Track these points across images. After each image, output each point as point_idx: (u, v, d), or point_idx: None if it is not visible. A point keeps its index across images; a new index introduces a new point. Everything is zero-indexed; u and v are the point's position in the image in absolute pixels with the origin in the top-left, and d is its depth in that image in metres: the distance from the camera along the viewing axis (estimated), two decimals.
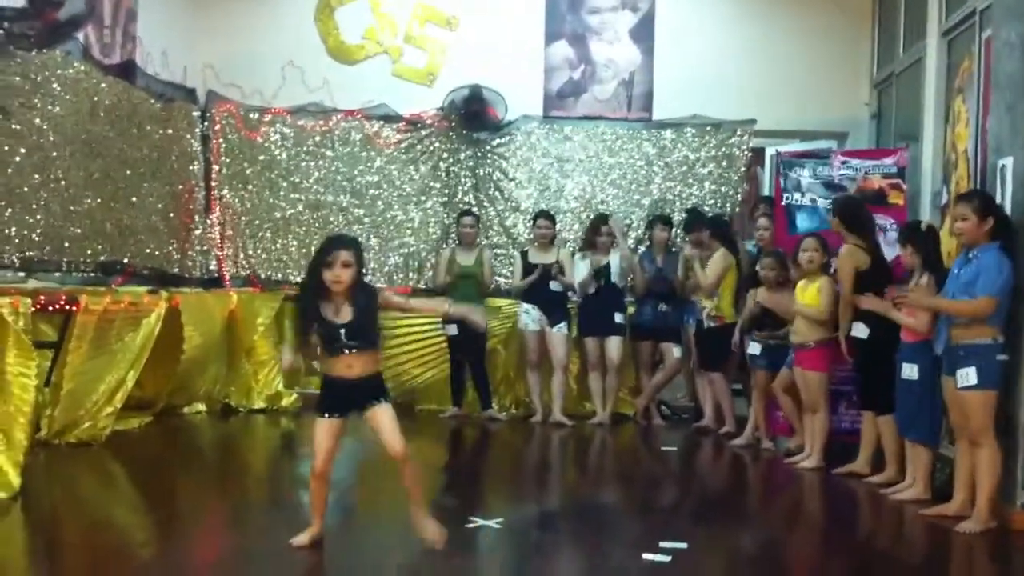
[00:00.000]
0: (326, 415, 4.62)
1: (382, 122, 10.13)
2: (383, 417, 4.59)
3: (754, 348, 7.79)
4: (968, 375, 5.38)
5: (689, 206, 9.68)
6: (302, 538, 4.66)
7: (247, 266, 9.99)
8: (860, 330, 6.67)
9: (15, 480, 5.51)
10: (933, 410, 6.08)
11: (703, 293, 8.45)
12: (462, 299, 9.06)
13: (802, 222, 8.29)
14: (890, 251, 7.17)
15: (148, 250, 8.97)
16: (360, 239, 9.83)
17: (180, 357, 8.06)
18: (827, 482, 6.79)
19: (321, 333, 4.54)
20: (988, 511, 5.37)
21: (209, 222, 9.97)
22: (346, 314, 4.51)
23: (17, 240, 7.15)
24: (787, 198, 8.40)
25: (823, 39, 10.10)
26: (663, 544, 4.85)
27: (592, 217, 9.44)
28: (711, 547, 5.21)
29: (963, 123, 7.26)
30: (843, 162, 8.30)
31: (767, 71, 10.07)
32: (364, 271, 4.65)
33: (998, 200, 5.69)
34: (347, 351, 4.52)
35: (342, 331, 4.50)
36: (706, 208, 9.54)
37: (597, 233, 9.12)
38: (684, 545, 4.90)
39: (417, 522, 4.65)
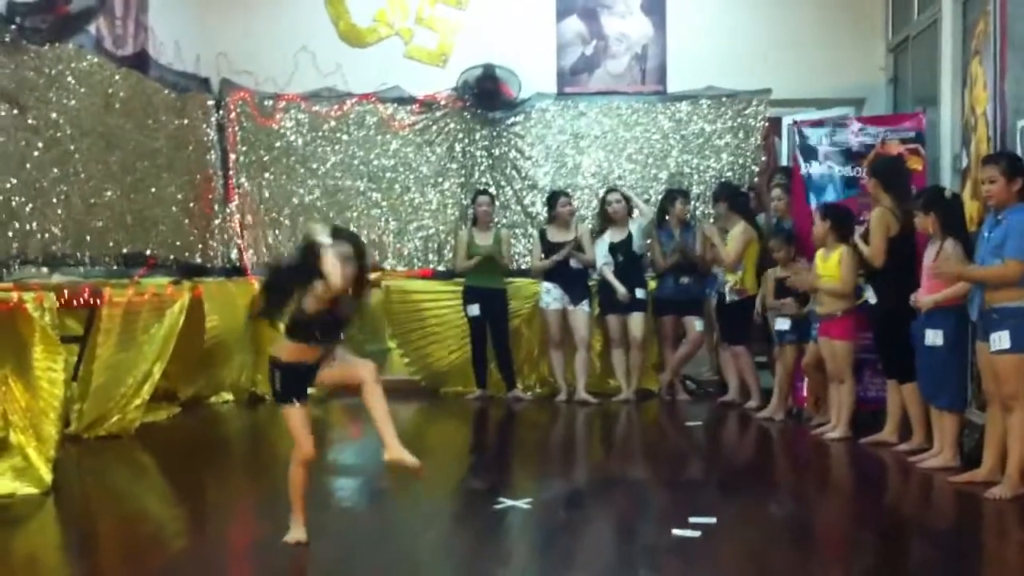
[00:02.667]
0: (296, 402, 4.46)
1: (396, 104, 10.12)
2: (339, 362, 4.43)
3: (782, 324, 7.76)
4: (1001, 339, 5.32)
5: (707, 178, 9.68)
6: (299, 535, 4.53)
7: (268, 254, 10.02)
8: (871, 294, 6.64)
9: (47, 475, 5.55)
10: (960, 376, 6.05)
11: (726, 267, 8.40)
12: (482, 280, 9.12)
13: (822, 191, 8.23)
14: None
15: (169, 241, 9.02)
16: (378, 223, 10.00)
17: (202, 343, 8.07)
18: (855, 452, 6.78)
19: (305, 323, 4.33)
20: (1019, 476, 5.33)
21: (228, 211, 10.00)
22: (339, 308, 4.37)
23: (39, 235, 7.18)
24: (805, 167, 8.35)
25: (836, 4, 9.99)
26: (693, 519, 4.84)
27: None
28: (741, 521, 5.21)
29: (981, 85, 7.18)
30: (861, 128, 8.23)
31: (781, 39, 9.97)
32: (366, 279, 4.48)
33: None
34: (316, 343, 4.37)
35: (329, 323, 4.36)
36: (726, 180, 9.49)
37: (605, 204, 9.11)
38: (713, 520, 4.89)
39: (389, 447, 4.35)
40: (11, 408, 5.68)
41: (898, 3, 9.65)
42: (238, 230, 10.02)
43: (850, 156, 8.15)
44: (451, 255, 9.78)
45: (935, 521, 5.40)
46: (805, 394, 7.95)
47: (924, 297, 6.14)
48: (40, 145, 7.27)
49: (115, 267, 8.13)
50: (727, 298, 8.42)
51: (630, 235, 9.04)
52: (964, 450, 6.09)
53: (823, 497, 5.98)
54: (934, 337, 6.05)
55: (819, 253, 7.24)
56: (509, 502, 5.27)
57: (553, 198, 9.30)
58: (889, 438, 6.79)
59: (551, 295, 9.04)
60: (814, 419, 7.61)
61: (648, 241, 9.17)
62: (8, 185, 6.87)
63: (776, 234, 7.77)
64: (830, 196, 8.04)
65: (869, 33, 9.97)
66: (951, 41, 7.93)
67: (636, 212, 9.20)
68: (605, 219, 9.14)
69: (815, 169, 8.29)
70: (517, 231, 9.93)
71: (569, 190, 9.57)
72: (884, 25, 9.92)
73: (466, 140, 10.12)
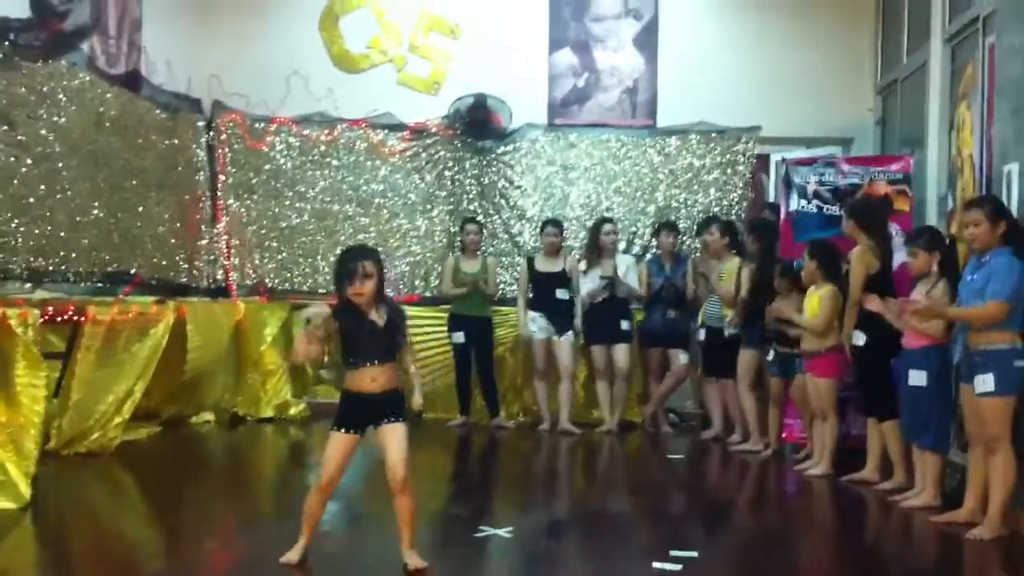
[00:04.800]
0: (342, 430, 4.48)
1: (387, 131, 10.16)
2: (393, 437, 4.46)
3: (768, 356, 7.78)
4: (985, 381, 5.34)
5: (695, 213, 9.74)
6: (292, 555, 4.54)
7: (254, 276, 10.01)
8: (858, 337, 6.67)
9: (25, 491, 5.53)
10: (943, 416, 6.07)
11: (725, 302, 8.39)
12: (468, 307, 9.13)
13: (808, 229, 8.27)
14: (898, 257, 7.15)
15: (155, 260, 8.99)
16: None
17: (184, 365, 8.05)
18: (836, 489, 6.78)
19: (353, 343, 4.41)
20: (1000, 518, 5.34)
21: (216, 232, 9.99)
22: (380, 320, 4.41)
23: (24, 251, 7.16)
24: (793, 204, 8.40)
25: (827, 45, 10.10)
26: (673, 553, 4.84)
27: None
28: (721, 555, 5.21)
29: (968, 129, 7.26)
30: (848, 169, 8.30)
31: (771, 77, 10.06)
32: (385, 280, 4.52)
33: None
34: (375, 362, 4.40)
35: (383, 337, 4.41)
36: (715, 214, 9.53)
37: (599, 234, 9.13)
38: (695, 554, 4.89)
39: (403, 549, 4.51)
40: None
41: (887, 46, 9.76)
42: (225, 251, 10.01)
43: (838, 195, 8.21)
44: (437, 282, 9.78)
45: (916, 560, 5.40)
46: (784, 432, 8.00)
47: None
48: (29, 161, 7.26)
49: (100, 284, 8.09)
50: (726, 332, 8.40)
51: (617, 267, 9.04)
52: (946, 490, 6.10)
53: (804, 534, 5.97)
54: (918, 378, 6.07)
55: (809, 290, 7.26)
56: (490, 530, 5.26)
57: (543, 227, 9.31)
58: (870, 476, 6.80)
59: (536, 324, 9.04)
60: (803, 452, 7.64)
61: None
62: None
63: (780, 271, 7.76)
64: (816, 234, 8.08)
65: (858, 74, 10.08)
66: (939, 84, 8.02)
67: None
68: (597, 249, 9.15)
69: (802, 207, 8.35)
70: (504, 260, 9.94)
71: (559, 220, 9.56)
72: (873, 67, 10.03)
73: (456, 168, 10.15)
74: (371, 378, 4.41)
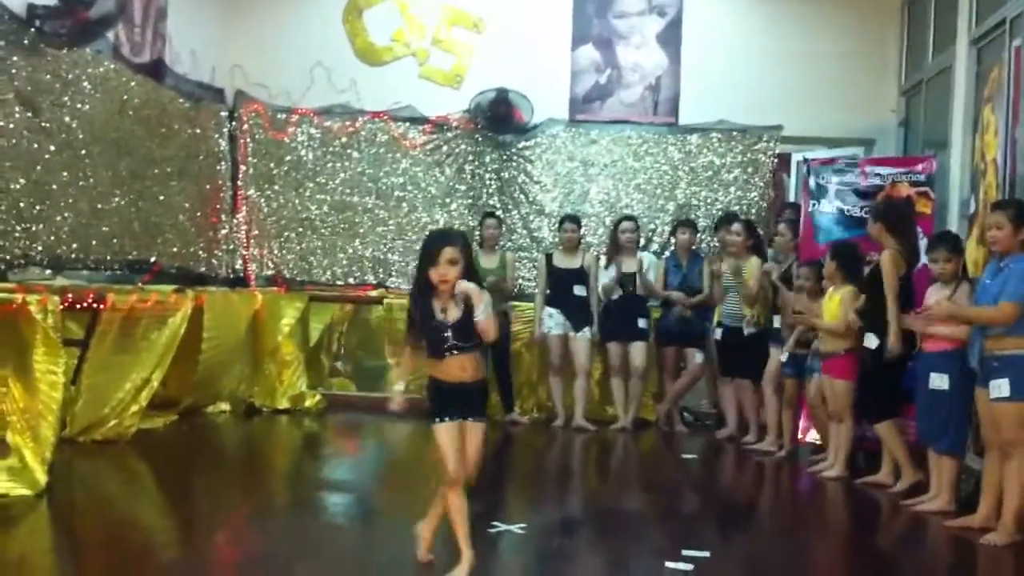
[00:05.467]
0: (444, 420, 4.31)
1: (408, 124, 10.16)
2: (473, 438, 4.36)
3: (782, 357, 7.76)
4: (1001, 387, 5.33)
5: (715, 211, 9.72)
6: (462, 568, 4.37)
7: (272, 266, 10.04)
8: (871, 340, 6.64)
9: (42, 477, 5.57)
10: (961, 420, 6.04)
11: (747, 301, 8.34)
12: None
13: (829, 230, 8.24)
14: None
15: (175, 249, 9.03)
16: (384, 241, 10.03)
17: (201, 349, 8.08)
18: (850, 492, 6.76)
19: (429, 335, 4.31)
20: (1014, 524, 5.32)
21: (235, 222, 10.02)
22: (454, 313, 4.27)
23: (46, 237, 7.20)
24: (814, 205, 8.37)
25: (851, 45, 10.04)
26: (686, 552, 4.84)
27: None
28: (734, 556, 5.20)
29: (992, 132, 7.21)
30: (871, 169, 8.26)
31: (794, 76, 10.02)
32: (473, 268, 4.36)
33: None
34: (455, 352, 4.28)
35: (449, 332, 4.27)
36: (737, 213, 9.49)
37: (617, 232, 9.12)
38: (707, 554, 4.88)
39: (464, 549, 4.39)
40: (10, 409, 5.68)
41: (913, 47, 9.70)
42: (244, 241, 10.04)
43: (859, 196, 8.17)
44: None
45: (929, 566, 5.37)
46: (800, 432, 7.98)
47: (914, 321, 6.22)
48: (52, 148, 7.29)
49: (120, 272, 8.14)
50: (745, 330, 8.36)
51: (640, 264, 9.02)
52: (961, 495, 6.07)
53: (817, 536, 5.95)
54: (939, 381, 6.02)
55: (829, 292, 7.22)
56: (503, 526, 5.26)
57: (561, 223, 9.31)
58: (885, 480, 6.78)
59: (553, 320, 9.03)
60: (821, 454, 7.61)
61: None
62: (17, 186, 6.89)
63: (806, 264, 7.72)
64: (837, 235, 8.05)
65: (882, 75, 10.01)
66: (964, 87, 7.97)
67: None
68: (616, 247, 9.14)
69: (823, 207, 8.32)
70: (522, 255, 9.94)
71: (577, 216, 9.55)
72: (898, 68, 9.96)
73: (476, 162, 10.15)
74: (460, 367, 4.30)
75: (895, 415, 6.70)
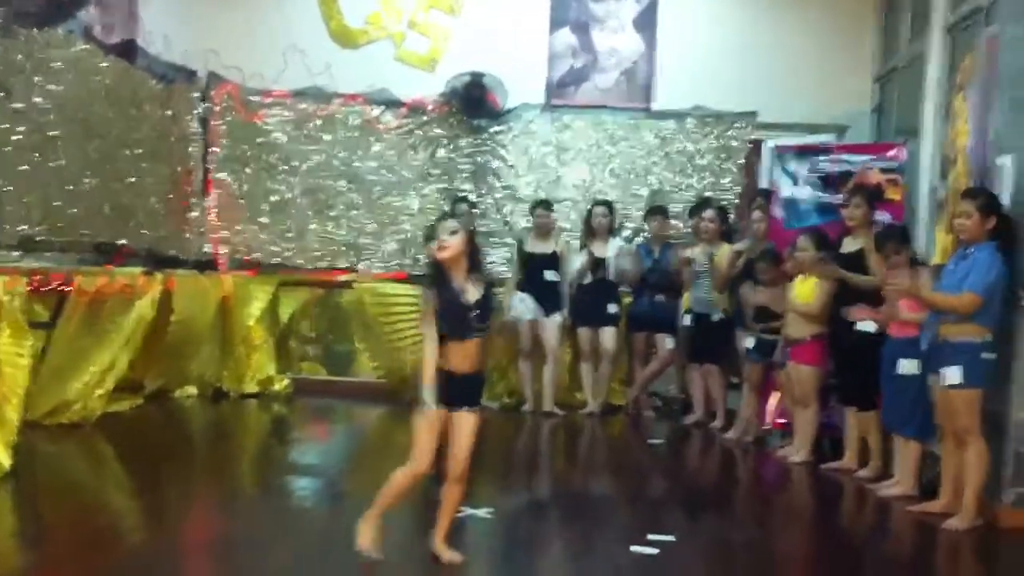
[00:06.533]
0: (433, 407, 4.27)
1: (383, 107, 10.10)
2: (464, 428, 4.33)
3: (748, 342, 7.80)
4: (953, 374, 5.39)
5: (688, 197, 9.73)
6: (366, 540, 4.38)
7: (243, 249, 9.99)
8: (868, 325, 6.64)
9: (6, 460, 5.55)
10: (928, 406, 6.08)
11: (717, 287, 8.39)
12: None
13: (799, 216, 8.26)
14: None
15: (145, 232, 8.97)
16: (356, 225, 9.99)
17: (167, 330, 8.04)
18: (815, 477, 6.81)
19: (452, 315, 4.25)
20: (975, 509, 5.38)
21: (206, 205, 9.95)
22: (473, 294, 4.28)
23: (15, 219, 7.15)
24: (784, 192, 8.39)
25: (826, 32, 10.04)
26: (651, 537, 4.88)
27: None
28: (699, 540, 5.23)
29: (963, 120, 7.22)
30: (841, 156, 8.28)
31: (769, 63, 10.00)
32: (479, 253, 4.41)
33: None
34: (475, 335, 4.26)
35: (473, 313, 4.26)
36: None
37: (591, 217, 9.13)
38: (672, 538, 4.92)
39: (437, 542, 4.45)
40: None
41: (887, 34, 9.72)
42: (214, 224, 9.98)
43: (829, 182, 8.20)
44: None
45: (892, 551, 5.42)
46: (767, 417, 8.03)
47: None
48: (21, 129, 7.23)
49: (88, 255, 8.08)
50: (712, 316, 8.41)
51: (616, 250, 9.02)
52: (923, 480, 6.12)
53: (781, 520, 6.01)
54: (909, 366, 6.05)
55: (798, 278, 7.24)
56: (470, 510, 5.26)
57: (533, 208, 9.30)
58: (849, 465, 6.83)
59: (524, 304, 9.00)
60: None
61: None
62: None
63: (763, 255, 7.76)
64: (808, 221, 8.08)
65: (857, 62, 10.01)
66: (937, 74, 7.99)
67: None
68: (589, 231, 9.15)
69: (794, 193, 8.34)
70: (495, 240, 9.92)
71: (550, 201, 9.53)
72: (872, 55, 9.98)
73: (450, 146, 10.11)
74: (465, 354, 4.28)
75: (876, 406, 6.68)
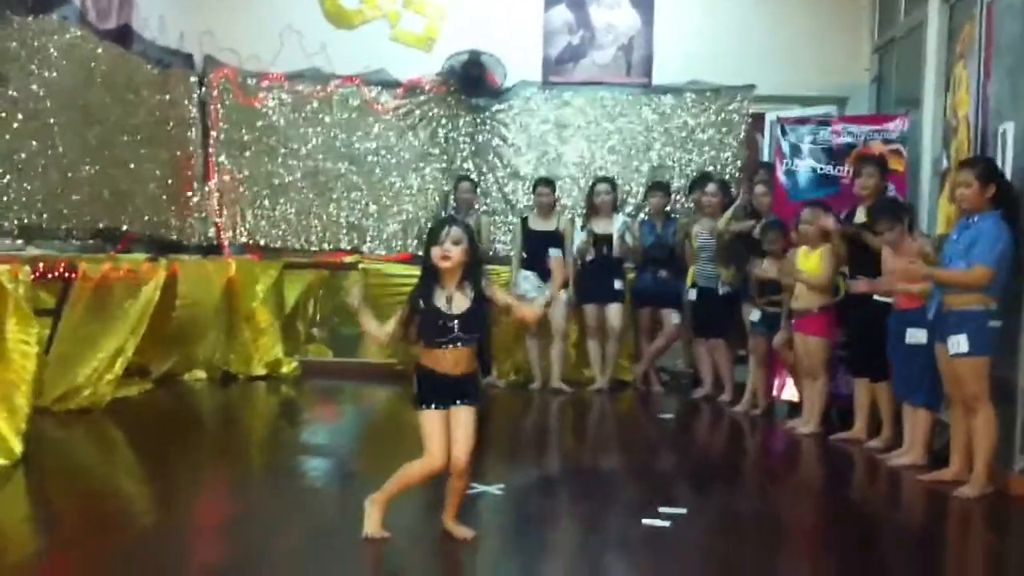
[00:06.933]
0: (431, 407, 4.30)
1: (380, 88, 10.09)
2: (462, 420, 4.30)
3: (754, 315, 7.80)
4: (959, 342, 5.39)
5: (689, 172, 9.73)
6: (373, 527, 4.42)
7: (245, 233, 9.98)
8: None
9: (17, 447, 5.54)
10: (937, 374, 6.08)
11: (721, 262, 8.39)
12: None
13: (802, 188, 8.25)
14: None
15: (147, 217, 8.97)
16: (358, 206, 9.97)
17: (172, 315, 8.04)
18: (825, 448, 6.82)
19: (428, 322, 4.25)
20: (985, 476, 5.39)
21: (207, 189, 9.94)
22: (460, 304, 4.26)
23: (16, 207, 7.14)
24: (786, 164, 8.37)
25: (824, 3, 10.03)
26: (662, 509, 4.89)
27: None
28: (710, 512, 5.23)
29: (964, 88, 7.21)
30: (843, 128, 8.27)
31: (767, 36, 9.98)
32: (480, 260, 4.42)
33: (999, 166, 5.68)
34: (456, 344, 4.25)
35: (455, 322, 4.23)
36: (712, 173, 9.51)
37: (593, 194, 9.12)
38: (683, 511, 4.93)
39: (447, 520, 4.48)
40: None
41: (885, 4, 9.68)
42: (216, 208, 9.97)
43: (831, 154, 8.18)
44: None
45: (903, 519, 5.43)
46: (775, 389, 8.04)
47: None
48: (20, 117, 7.22)
49: (91, 241, 8.08)
50: (720, 290, 8.41)
51: (619, 226, 9.01)
52: (934, 448, 6.13)
53: (792, 492, 6.01)
54: (918, 335, 6.04)
55: (802, 249, 7.24)
56: (481, 487, 5.27)
57: (535, 186, 9.28)
58: (859, 435, 6.84)
59: (529, 283, 9.00)
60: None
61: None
62: None
63: (771, 226, 7.75)
64: (810, 194, 8.06)
65: (855, 33, 10.00)
66: (936, 44, 7.96)
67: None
68: (591, 208, 9.13)
69: (796, 166, 8.32)
70: (497, 218, 9.92)
71: (551, 178, 9.52)
72: (870, 25, 9.95)
73: (449, 126, 10.09)
74: (453, 361, 4.29)
75: (888, 376, 6.67)
